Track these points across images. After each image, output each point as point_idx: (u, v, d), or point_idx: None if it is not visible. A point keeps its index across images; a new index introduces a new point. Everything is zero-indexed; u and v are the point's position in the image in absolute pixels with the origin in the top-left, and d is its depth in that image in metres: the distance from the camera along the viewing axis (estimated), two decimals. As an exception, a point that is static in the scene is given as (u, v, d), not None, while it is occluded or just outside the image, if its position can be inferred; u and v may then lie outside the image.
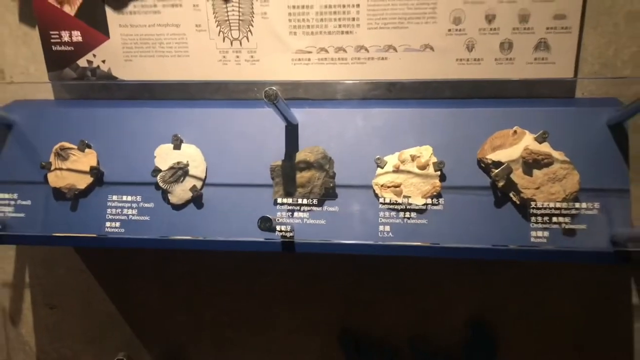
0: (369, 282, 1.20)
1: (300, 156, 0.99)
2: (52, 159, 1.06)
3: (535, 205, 0.91)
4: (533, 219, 0.91)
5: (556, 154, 0.93)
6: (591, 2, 0.96)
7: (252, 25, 1.03)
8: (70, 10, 1.06)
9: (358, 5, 0.99)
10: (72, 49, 1.08)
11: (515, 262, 1.12)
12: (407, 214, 0.96)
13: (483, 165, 0.96)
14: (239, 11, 1.02)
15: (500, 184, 0.94)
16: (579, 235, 0.91)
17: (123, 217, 1.01)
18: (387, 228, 0.95)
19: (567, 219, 0.91)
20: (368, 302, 1.22)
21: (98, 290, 1.32)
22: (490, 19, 0.97)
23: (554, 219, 0.91)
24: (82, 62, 1.09)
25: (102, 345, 1.37)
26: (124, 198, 1.02)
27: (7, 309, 1.40)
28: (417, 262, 1.14)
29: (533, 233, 0.91)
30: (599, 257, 0.91)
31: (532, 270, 1.14)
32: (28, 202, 1.04)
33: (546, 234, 0.91)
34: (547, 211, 0.91)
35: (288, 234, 0.92)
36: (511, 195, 0.94)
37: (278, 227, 0.92)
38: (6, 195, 1.05)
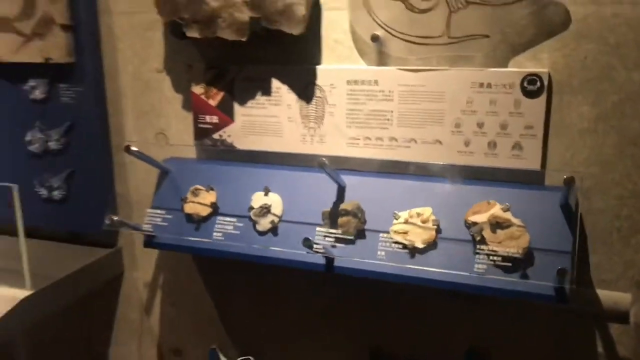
0: (386, 305, 1.63)
1: (342, 206, 1.49)
2: (188, 194, 1.64)
3: (490, 249, 1.32)
4: (482, 256, 1.32)
5: (515, 220, 1.35)
6: (553, 119, 1.40)
7: (323, 119, 1.57)
8: (213, 103, 1.68)
9: (392, 112, 1.50)
10: (211, 127, 1.70)
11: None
12: (411, 252, 1.41)
13: (467, 224, 1.40)
14: (315, 110, 1.58)
15: (477, 238, 1.37)
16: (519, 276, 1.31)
17: (225, 232, 1.56)
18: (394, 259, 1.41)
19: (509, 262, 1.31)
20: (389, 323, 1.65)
21: (205, 294, 1.86)
22: (480, 125, 1.44)
23: (499, 259, 1.31)
24: (216, 136, 1.69)
25: (203, 337, 1.90)
26: (229, 220, 1.57)
27: (144, 303, 1.98)
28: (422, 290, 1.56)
29: (477, 265, 1.32)
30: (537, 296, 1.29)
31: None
32: (170, 216, 1.63)
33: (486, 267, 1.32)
34: (497, 254, 1.32)
35: (321, 251, 1.40)
36: (482, 247, 1.36)
37: (316, 247, 1.41)
38: (158, 211, 1.64)
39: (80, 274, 1.79)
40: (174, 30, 1.61)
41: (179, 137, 1.78)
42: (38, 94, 1.84)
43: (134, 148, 1.60)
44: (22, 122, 1.88)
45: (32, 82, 1.84)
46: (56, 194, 1.90)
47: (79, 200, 1.90)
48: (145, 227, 1.63)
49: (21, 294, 1.60)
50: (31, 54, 1.78)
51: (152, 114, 1.80)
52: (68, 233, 2.00)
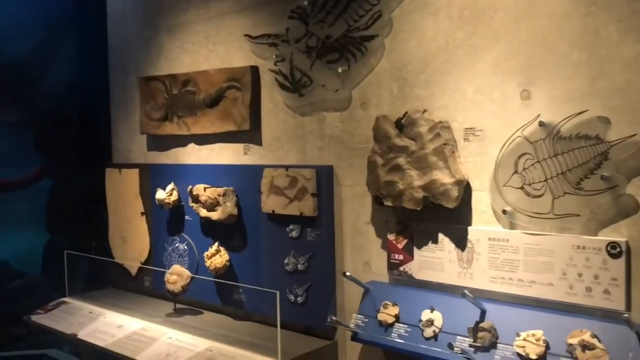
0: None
1: (482, 324, 2.20)
2: (380, 307, 2.49)
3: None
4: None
5: (599, 345, 1.93)
6: (633, 273, 1.97)
7: (472, 263, 2.33)
8: (400, 246, 2.55)
9: (519, 261, 2.21)
10: (398, 262, 2.56)
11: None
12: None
13: (567, 345, 2.01)
14: (467, 256, 2.35)
15: (573, 355, 1.97)
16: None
17: (404, 335, 2.36)
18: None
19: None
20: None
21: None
22: (579, 274, 2.07)
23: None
24: (401, 268, 2.55)
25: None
26: (406, 327, 2.37)
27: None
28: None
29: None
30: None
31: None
32: (367, 321, 2.49)
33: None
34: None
35: (459, 352, 2.12)
36: (576, 361, 1.95)
37: (455, 349, 2.12)
38: (361, 316, 2.52)
39: (311, 355, 2.71)
40: (377, 200, 2.55)
41: (377, 267, 2.67)
42: (294, 234, 2.91)
43: (348, 273, 2.53)
44: (284, 250, 2.96)
45: (291, 226, 2.92)
46: (299, 299, 2.90)
47: (313, 304, 2.87)
48: (351, 326, 2.51)
49: (275, 362, 2.57)
50: (292, 210, 2.88)
51: (361, 250, 2.73)
52: (304, 327, 2.96)
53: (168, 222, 3.57)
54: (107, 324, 3.26)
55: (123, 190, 3.84)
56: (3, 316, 3.83)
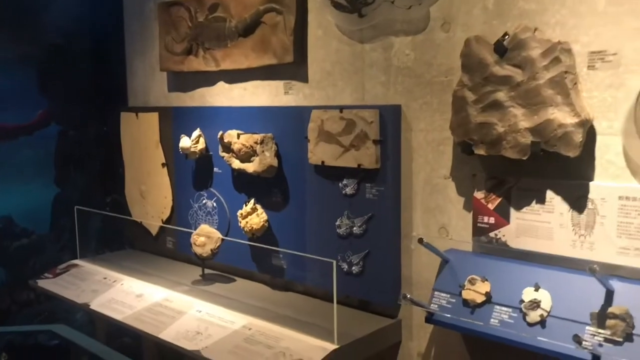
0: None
1: (611, 310, 1.66)
2: (466, 282, 1.97)
3: None
4: None
5: None
6: None
7: (593, 229, 1.79)
8: (491, 206, 2.01)
9: (664, 227, 1.65)
10: (488, 226, 2.02)
11: None
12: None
13: None
14: (586, 220, 1.80)
15: None
16: None
17: (500, 319, 1.84)
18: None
19: None
20: None
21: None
22: None
23: None
24: (491, 234, 2.01)
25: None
26: (504, 309, 1.85)
27: (414, 369, 2.33)
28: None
29: None
30: None
31: None
32: (452, 300, 1.97)
33: None
34: None
35: (590, 348, 1.59)
36: None
37: (584, 343, 1.60)
38: (443, 294, 1.99)
39: (372, 336, 2.21)
40: (465, 148, 1.99)
41: (457, 232, 2.14)
42: (349, 190, 2.38)
43: (425, 241, 2.00)
44: (335, 210, 2.43)
45: (345, 181, 2.38)
46: (355, 269, 2.38)
47: (371, 275, 2.36)
48: (433, 306, 1.99)
49: (330, 346, 2.07)
50: (347, 161, 2.33)
51: (436, 211, 2.19)
52: (358, 301, 2.46)
53: (194, 174, 3.05)
54: (125, 293, 2.79)
55: (141, 138, 3.32)
56: (7, 279, 3.38)
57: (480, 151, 1.94)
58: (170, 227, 3.16)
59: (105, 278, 2.98)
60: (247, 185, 2.78)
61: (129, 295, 2.76)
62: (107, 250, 3.60)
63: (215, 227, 2.92)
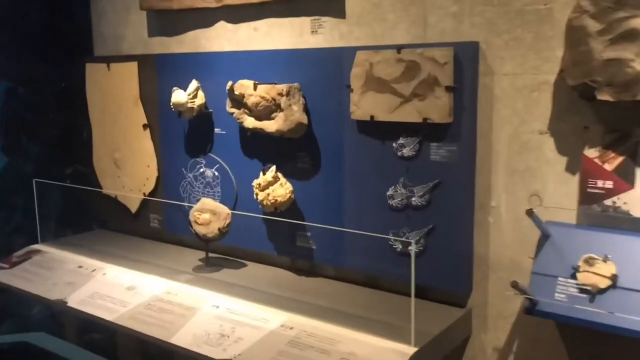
0: None
1: None
2: (581, 263, 1.55)
3: None
4: None
5: None
6: None
7: None
8: (608, 167, 1.59)
9: None
10: (603, 192, 1.61)
11: None
12: None
13: None
14: None
15: None
16: None
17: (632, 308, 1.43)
18: None
19: None
20: None
21: None
22: None
23: None
24: (608, 202, 1.60)
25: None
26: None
27: None
28: None
29: None
30: None
31: None
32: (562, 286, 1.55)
33: None
34: None
35: None
36: None
37: None
38: (555, 279, 1.57)
39: (448, 332, 1.78)
40: (584, 92, 1.56)
41: (555, 200, 1.72)
42: (407, 151, 1.90)
43: (535, 212, 1.57)
44: (386, 177, 1.96)
45: (401, 140, 1.91)
46: (412, 249, 1.92)
47: (435, 256, 1.91)
48: (559, 296, 1.57)
49: (408, 350, 1.62)
50: (408, 114, 1.85)
51: (526, 174, 1.76)
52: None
53: (187, 137, 2.49)
54: (111, 285, 2.23)
55: (114, 94, 2.71)
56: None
57: (606, 96, 1.52)
58: (159, 200, 2.58)
59: (80, 267, 2.40)
60: (263, 149, 2.26)
61: (117, 288, 2.20)
62: (71, 232, 2.98)
63: (218, 201, 2.39)
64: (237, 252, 2.45)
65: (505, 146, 1.79)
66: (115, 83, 2.68)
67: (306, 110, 2.10)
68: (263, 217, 2.17)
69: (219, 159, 2.40)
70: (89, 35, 2.87)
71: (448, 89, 1.77)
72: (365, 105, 1.94)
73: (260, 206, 2.17)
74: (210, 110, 2.38)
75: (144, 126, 2.62)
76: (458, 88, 1.78)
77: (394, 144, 1.93)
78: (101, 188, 2.85)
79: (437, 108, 1.80)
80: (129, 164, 2.71)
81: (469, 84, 1.78)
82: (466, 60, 1.77)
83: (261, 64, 2.21)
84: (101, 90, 2.76)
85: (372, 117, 1.93)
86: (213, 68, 2.34)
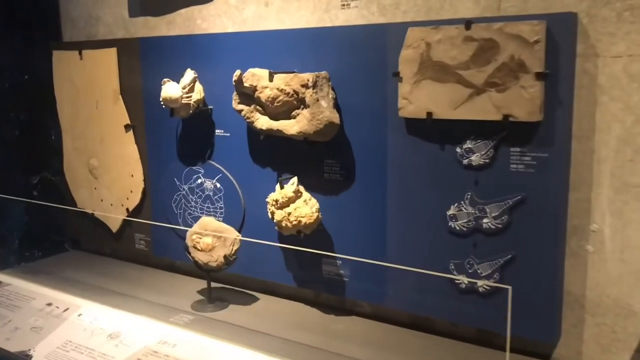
0: None
1: None
2: None
3: None
4: None
5: None
6: None
7: None
8: None
9: None
10: None
11: None
12: None
13: None
14: None
15: None
16: None
17: None
18: None
19: None
20: None
21: None
22: None
23: None
24: None
25: None
26: None
27: None
28: None
29: None
30: None
31: None
32: None
33: None
34: None
35: None
36: None
37: None
38: None
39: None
40: None
41: (685, 223, 1.28)
42: (476, 159, 1.46)
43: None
44: (447, 192, 1.51)
45: (469, 144, 1.46)
46: (482, 286, 1.48)
47: (513, 294, 1.46)
48: None
49: None
50: (480, 110, 1.40)
51: (642, 190, 1.32)
52: (478, 330, 1.58)
53: (180, 140, 2.02)
54: (88, 331, 1.75)
55: (89, 88, 2.22)
56: None
57: None
58: (146, 222, 2.10)
59: (50, 304, 1.92)
60: (279, 156, 1.80)
61: (97, 336, 1.72)
62: (38, 255, 2.48)
63: (220, 219, 1.92)
64: (245, 282, 1.99)
65: (613, 152, 1.35)
66: (90, 74, 2.19)
67: (336, 105, 1.64)
68: (282, 246, 1.70)
69: (221, 168, 1.93)
70: (55, 16, 2.36)
71: (539, 76, 1.33)
72: (420, 98, 1.49)
73: (277, 228, 1.71)
74: (210, 107, 1.91)
75: (126, 127, 2.13)
76: (551, 75, 1.33)
77: (459, 149, 1.48)
78: (74, 202, 2.36)
79: (523, 102, 1.35)
80: (108, 173, 2.22)
81: (564, 69, 1.34)
82: (561, 38, 1.33)
83: (275, 49, 1.74)
84: (72, 82, 2.26)
85: (429, 114, 1.48)
86: (212, 54, 1.87)
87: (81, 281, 2.09)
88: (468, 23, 1.40)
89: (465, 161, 1.48)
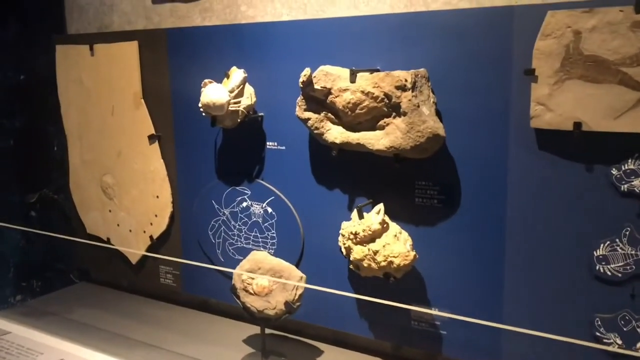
0: None
1: None
2: None
3: None
4: None
5: None
6: None
7: None
8: None
9: None
10: None
11: None
12: None
13: None
14: None
15: None
16: None
17: None
18: None
19: None
20: None
21: None
22: None
23: None
24: None
25: None
26: None
27: None
28: None
29: None
30: None
31: None
32: None
33: None
34: None
35: None
36: None
37: None
38: None
39: None
40: None
41: None
42: (638, 183, 1.10)
43: None
44: (595, 226, 1.15)
45: (632, 165, 1.10)
46: (646, 349, 1.13)
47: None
48: None
49: None
50: (653, 120, 1.05)
51: None
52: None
53: (220, 154, 1.63)
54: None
55: (102, 90, 1.83)
56: None
57: None
58: (173, 260, 1.71)
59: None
60: (354, 175, 1.42)
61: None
62: (40, 290, 2.08)
63: (271, 252, 1.55)
64: (306, 329, 1.61)
65: None
66: (104, 73, 1.80)
67: (437, 112, 1.27)
68: (366, 299, 1.33)
69: (273, 189, 1.55)
70: (58, 3, 1.96)
71: None
72: (564, 103, 1.13)
73: (352, 267, 1.34)
74: (261, 114, 1.53)
75: (151, 137, 1.74)
76: None
77: (615, 171, 1.12)
78: (83, 227, 1.97)
79: None
80: (126, 192, 1.83)
81: None
82: None
83: (348, 42, 1.37)
84: (81, 83, 1.87)
85: (577, 124, 1.12)
86: (262, 49, 1.50)
87: (92, 326, 1.71)
88: (639, 3, 1.04)
89: (624, 187, 1.12)
